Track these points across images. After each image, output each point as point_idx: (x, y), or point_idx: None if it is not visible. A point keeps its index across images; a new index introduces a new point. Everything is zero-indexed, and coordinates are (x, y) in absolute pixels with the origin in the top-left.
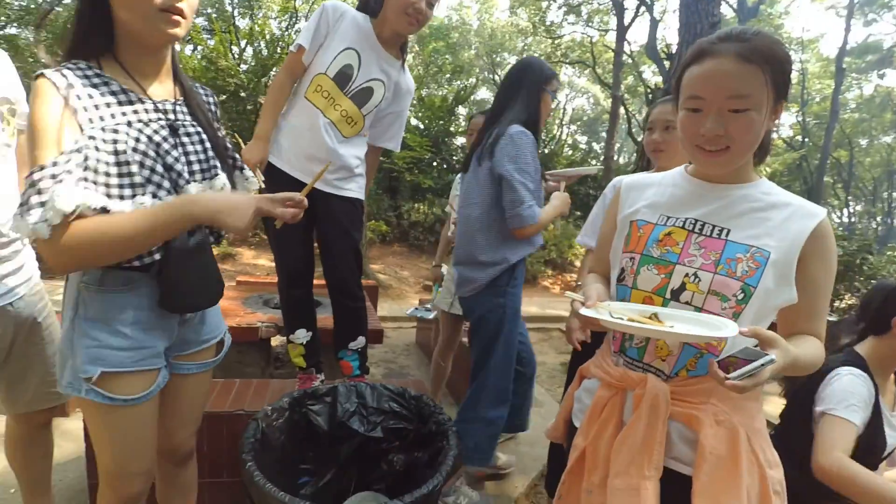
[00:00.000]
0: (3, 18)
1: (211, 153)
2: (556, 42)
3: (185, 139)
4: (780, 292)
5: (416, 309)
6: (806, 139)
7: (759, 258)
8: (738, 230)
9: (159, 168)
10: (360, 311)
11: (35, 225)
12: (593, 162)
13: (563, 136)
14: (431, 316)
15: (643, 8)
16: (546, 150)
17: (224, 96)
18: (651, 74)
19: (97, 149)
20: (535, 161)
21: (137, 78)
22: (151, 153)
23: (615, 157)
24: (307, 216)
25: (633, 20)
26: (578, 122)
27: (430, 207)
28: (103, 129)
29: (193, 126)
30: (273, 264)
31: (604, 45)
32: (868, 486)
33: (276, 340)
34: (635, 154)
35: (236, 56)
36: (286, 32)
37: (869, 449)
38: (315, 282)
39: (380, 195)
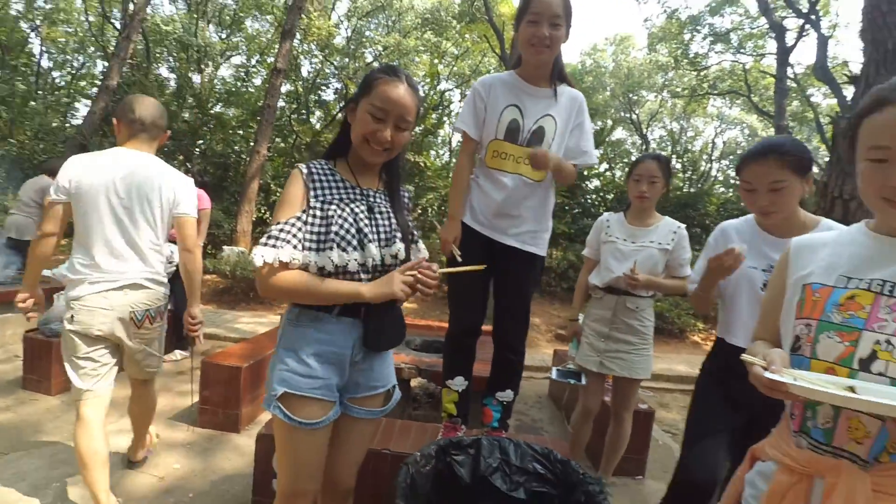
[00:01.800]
0: (212, 100)
1: (394, 227)
2: (702, 74)
3: (378, 215)
4: None
5: (561, 373)
6: None
7: None
8: None
9: (352, 230)
10: (517, 364)
11: (255, 257)
12: None
13: (714, 173)
14: (584, 382)
15: (808, 26)
16: (692, 189)
17: None
18: (822, 97)
19: (314, 216)
20: None
21: (356, 173)
22: (350, 219)
23: None
24: (489, 269)
25: (796, 41)
26: (731, 157)
27: (564, 253)
28: (322, 204)
29: (386, 207)
30: (412, 305)
31: (760, 70)
32: None
33: (415, 382)
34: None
35: None
36: (429, 94)
37: None
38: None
39: None
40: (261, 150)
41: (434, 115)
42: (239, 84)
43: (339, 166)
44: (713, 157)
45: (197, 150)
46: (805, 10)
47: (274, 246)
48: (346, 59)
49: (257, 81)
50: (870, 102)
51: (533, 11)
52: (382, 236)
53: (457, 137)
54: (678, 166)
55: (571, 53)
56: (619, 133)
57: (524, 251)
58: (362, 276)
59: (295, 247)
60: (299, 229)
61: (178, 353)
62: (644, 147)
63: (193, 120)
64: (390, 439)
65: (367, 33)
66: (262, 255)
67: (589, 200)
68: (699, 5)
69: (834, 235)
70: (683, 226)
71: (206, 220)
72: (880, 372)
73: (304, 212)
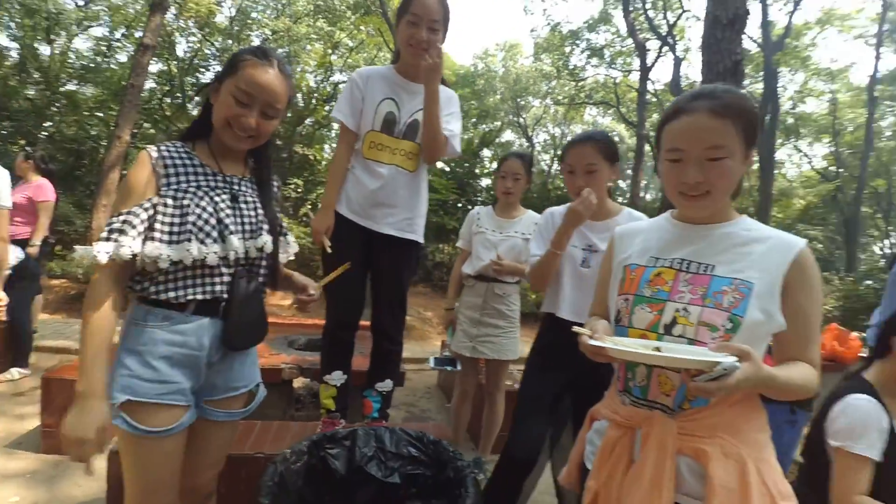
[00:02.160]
0: (63, 76)
1: (261, 219)
2: (580, 84)
3: (243, 205)
4: (768, 321)
5: (438, 360)
6: (840, 170)
7: (744, 289)
8: (722, 265)
9: (212, 221)
10: (395, 354)
11: (98, 254)
12: (619, 200)
13: None
14: (459, 368)
15: (666, 48)
16: None
17: None
18: None
19: (166, 205)
20: None
21: (218, 159)
22: (210, 209)
23: (641, 195)
24: (366, 258)
25: (656, 60)
26: None
27: (455, 249)
28: (175, 192)
29: (252, 197)
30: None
31: (627, 85)
32: None
33: (299, 382)
34: (661, 192)
35: None
36: (321, 84)
37: (893, 478)
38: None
39: None
40: (122, 136)
41: (327, 108)
42: (99, 59)
43: (199, 150)
44: None
45: (43, 133)
46: (664, 33)
47: (116, 241)
48: (229, 41)
49: (122, 58)
50: (669, 112)
51: (413, 12)
52: (247, 227)
53: None
54: (559, 168)
55: (465, 56)
56: (508, 135)
57: (402, 238)
58: (223, 269)
59: (135, 239)
60: (140, 218)
61: (15, 372)
62: (530, 149)
63: (39, 98)
64: (265, 442)
65: (254, 15)
66: (104, 251)
67: (479, 198)
68: (579, 21)
69: (647, 224)
70: None
71: (47, 214)
72: (680, 334)
73: (149, 200)
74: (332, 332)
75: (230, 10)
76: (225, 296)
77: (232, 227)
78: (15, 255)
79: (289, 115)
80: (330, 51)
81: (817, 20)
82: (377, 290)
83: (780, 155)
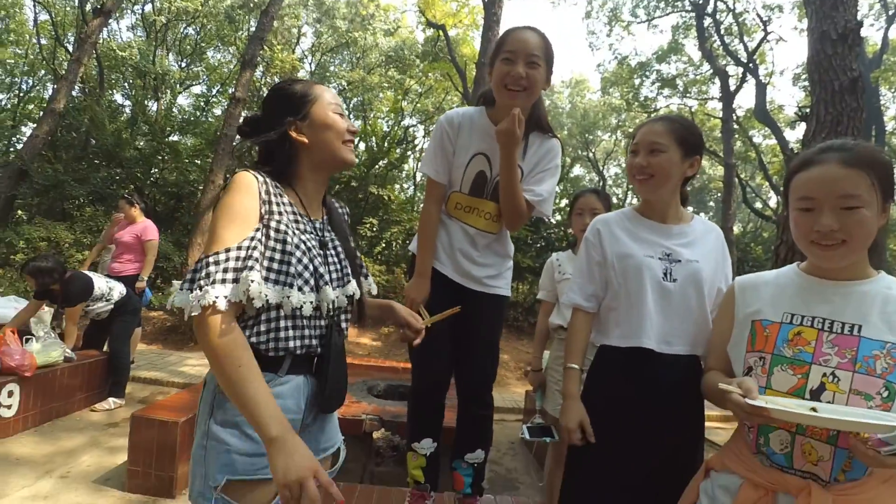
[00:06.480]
0: (168, 128)
1: (345, 263)
2: (653, 115)
3: (331, 252)
4: None
5: (533, 430)
6: None
7: None
8: (870, 326)
9: (310, 269)
10: (487, 420)
11: (217, 300)
12: None
13: None
14: (558, 438)
15: (748, 74)
16: None
17: (339, 186)
18: (761, 138)
19: (268, 237)
20: None
21: (305, 203)
22: (306, 258)
23: (731, 226)
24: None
25: (739, 87)
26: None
27: (530, 288)
28: (278, 225)
29: (333, 241)
30: (373, 343)
31: (704, 113)
32: None
33: (379, 433)
34: (776, 226)
35: None
36: (394, 129)
37: None
38: None
39: None
40: (216, 180)
41: (398, 150)
42: (198, 113)
43: (286, 192)
44: None
45: (150, 179)
46: (744, 59)
47: (235, 280)
48: None
49: (217, 111)
50: (797, 163)
51: (508, 49)
52: (335, 276)
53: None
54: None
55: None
56: (578, 170)
57: (492, 294)
58: (317, 322)
59: (261, 278)
60: (261, 254)
61: (111, 402)
62: (601, 184)
63: (147, 148)
64: None
65: (332, 68)
66: (223, 295)
67: (552, 235)
68: (648, 52)
69: (772, 275)
70: None
71: (153, 252)
72: (829, 401)
73: (257, 230)
74: (423, 394)
75: (311, 64)
76: (319, 350)
77: (326, 277)
78: (118, 290)
79: (364, 158)
80: (401, 97)
81: None
82: (467, 347)
83: None
